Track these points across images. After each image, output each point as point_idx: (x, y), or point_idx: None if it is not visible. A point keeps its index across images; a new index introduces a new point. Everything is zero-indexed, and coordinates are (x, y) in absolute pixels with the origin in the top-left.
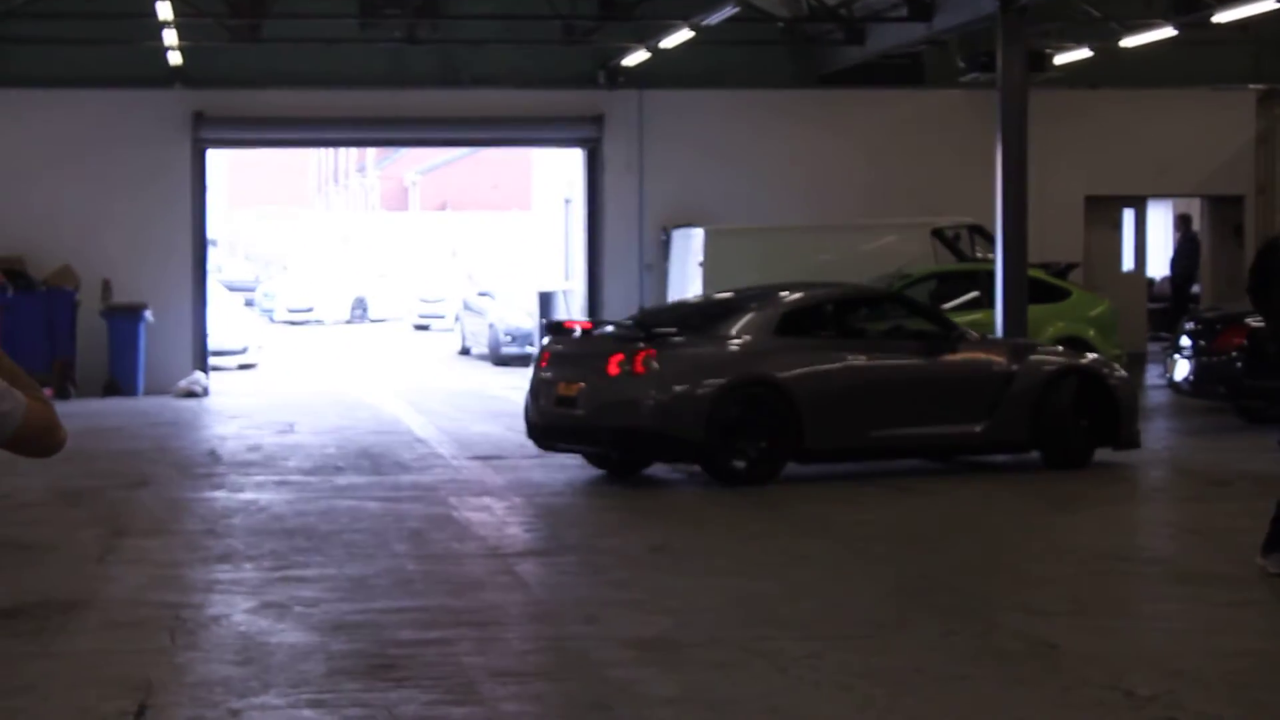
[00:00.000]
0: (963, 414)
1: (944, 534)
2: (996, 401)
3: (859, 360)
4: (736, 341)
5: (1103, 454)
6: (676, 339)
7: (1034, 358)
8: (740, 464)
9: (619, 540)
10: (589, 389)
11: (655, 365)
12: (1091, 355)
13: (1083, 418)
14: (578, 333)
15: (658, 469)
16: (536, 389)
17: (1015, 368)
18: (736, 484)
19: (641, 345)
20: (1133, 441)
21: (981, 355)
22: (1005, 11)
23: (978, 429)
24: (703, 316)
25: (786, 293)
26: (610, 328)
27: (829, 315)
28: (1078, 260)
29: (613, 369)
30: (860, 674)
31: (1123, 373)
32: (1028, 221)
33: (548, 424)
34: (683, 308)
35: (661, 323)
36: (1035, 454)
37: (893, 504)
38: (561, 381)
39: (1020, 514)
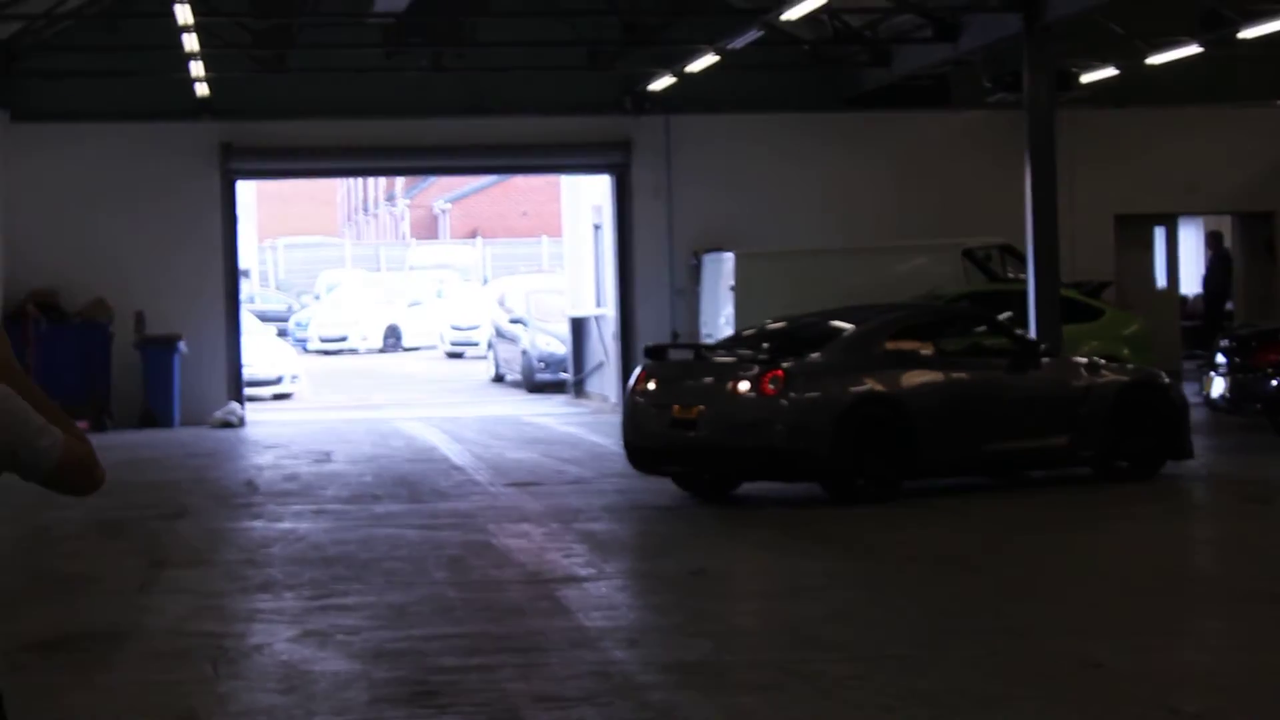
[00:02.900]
0: (1051, 427)
1: (984, 554)
2: (1077, 415)
3: (963, 376)
4: (851, 360)
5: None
6: (801, 359)
7: (1105, 372)
8: (861, 482)
9: (658, 564)
10: (712, 411)
11: (784, 385)
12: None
13: (1148, 430)
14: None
15: (746, 489)
16: (638, 411)
17: (1091, 382)
18: (859, 502)
19: (769, 366)
20: (1188, 452)
21: (1063, 370)
22: (1031, 31)
23: (1064, 441)
24: (804, 337)
25: (886, 313)
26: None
27: (922, 334)
28: (1109, 279)
29: (739, 390)
30: (903, 695)
31: (1178, 386)
32: (1058, 241)
33: (658, 446)
34: (776, 329)
35: (760, 344)
36: (1086, 468)
37: (931, 524)
38: (676, 404)
39: (1059, 532)
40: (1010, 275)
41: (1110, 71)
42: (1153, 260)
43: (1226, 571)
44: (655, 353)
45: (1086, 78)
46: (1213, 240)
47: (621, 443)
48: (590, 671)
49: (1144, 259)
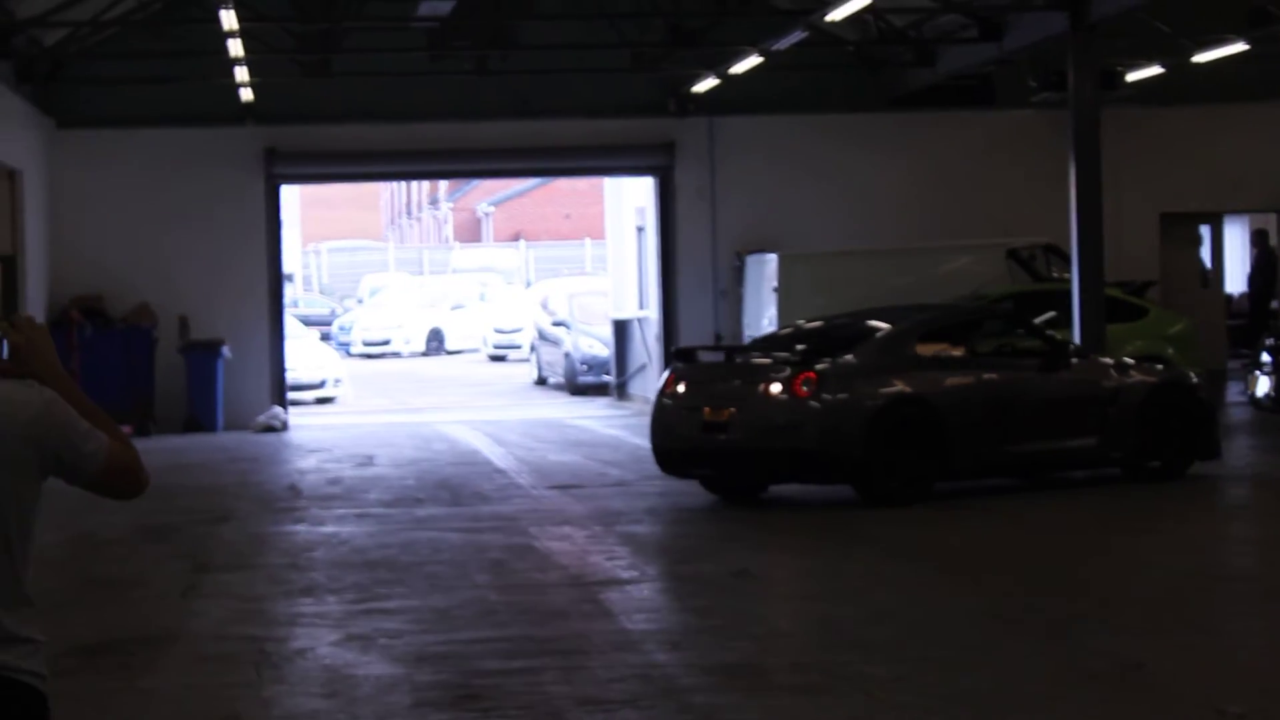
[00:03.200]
0: (1082, 428)
1: (1026, 554)
2: (1106, 415)
3: (993, 377)
4: (883, 362)
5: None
6: (832, 361)
7: (1133, 373)
8: (895, 484)
9: (700, 567)
10: (743, 413)
11: (816, 387)
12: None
13: (1177, 430)
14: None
15: (774, 490)
16: (667, 414)
17: (1120, 382)
18: (890, 504)
19: (801, 367)
20: (1216, 452)
21: (1092, 371)
22: (1075, 30)
23: (1094, 442)
24: (834, 339)
25: (917, 314)
26: (717, 353)
27: (952, 335)
28: (1154, 278)
29: (771, 392)
30: (947, 697)
31: (1206, 386)
32: (1103, 240)
33: (688, 449)
34: (805, 331)
35: (789, 346)
36: (1116, 469)
37: (973, 525)
38: (707, 406)
39: (1102, 532)
40: (1055, 275)
41: (1156, 70)
42: (1200, 258)
43: (1269, 570)
44: (684, 355)
45: (1132, 76)
46: (1258, 238)
47: (650, 446)
48: (633, 674)
49: (1191, 257)
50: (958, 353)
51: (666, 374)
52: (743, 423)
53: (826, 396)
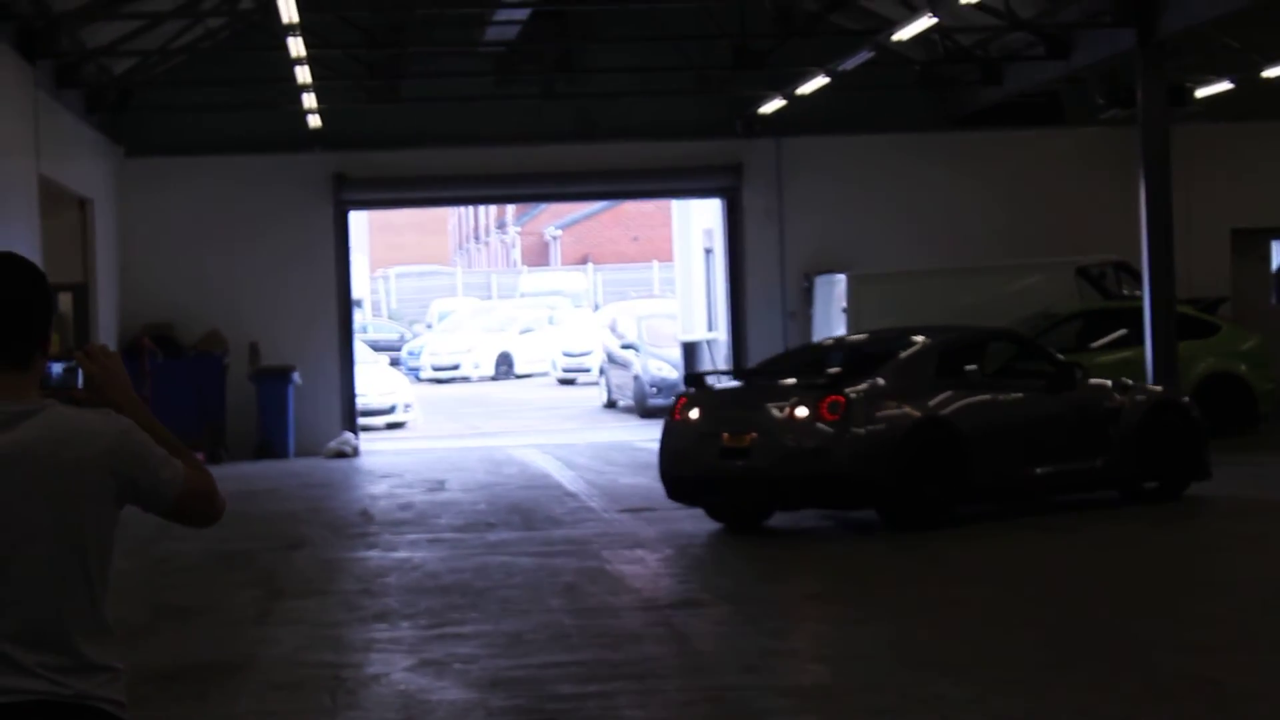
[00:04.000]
0: (1088, 449)
1: (1097, 573)
2: (1109, 436)
3: (1010, 399)
4: (906, 384)
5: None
6: (859, 384)
7: (1131, 393)
8: (920, 507)
9: (773, 589)
10: (766, 439)
11: (844, 411)
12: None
13: (1172, 450)
14: (726, 382)
15: (778, 519)
16: (677, 440)
17: (1122, 402)
18: (918, 527)
19: (827, 391)
20: (1206, 472)
21: (1096, 392)
22: (1144, 47)
23: (1099, 463)
24: (850, 360)
25: (929, 335)
26: (725, 378)
27: (968, 356)
28: (1226, 294)
29: (797, 416)
30: (1023, 717)
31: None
32: (1174, 257)
33: (703, 476)
34: (814, 352)
35: (803, 367)
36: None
37: (1040, 544)
38: (726, 432)
39: (1170, 551)
40: (1125, 292)
41: (1225, 86)
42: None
43: None
44: (695, 381)
45: (1201, 92)
46: None
47: (659, 474)
48: (708, 697)
49: (1262, 273)
50: (974, 374)
51: (676, 399)
52: (765, 448)
53: (858, 420)
